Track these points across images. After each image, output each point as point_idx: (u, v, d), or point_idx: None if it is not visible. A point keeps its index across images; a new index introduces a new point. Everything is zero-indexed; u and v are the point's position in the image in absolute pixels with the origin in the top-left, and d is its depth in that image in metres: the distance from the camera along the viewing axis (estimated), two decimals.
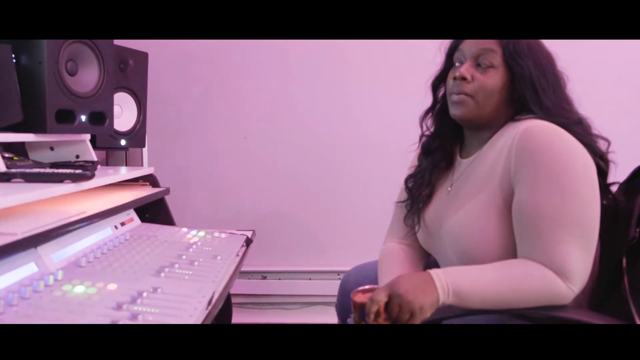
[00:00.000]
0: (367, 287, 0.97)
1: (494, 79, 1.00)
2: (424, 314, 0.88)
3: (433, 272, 0.92)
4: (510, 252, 0.95)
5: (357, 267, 1.33)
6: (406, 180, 1.20)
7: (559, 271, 0.88)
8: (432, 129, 1.16)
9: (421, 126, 1.17)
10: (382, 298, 0.89)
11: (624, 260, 0.92)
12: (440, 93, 1.13)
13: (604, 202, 0.96)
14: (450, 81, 1.05)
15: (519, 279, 0.90)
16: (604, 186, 0.97)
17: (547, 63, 1.02)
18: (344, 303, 1.28)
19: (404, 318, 0.87)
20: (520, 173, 0.92)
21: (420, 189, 1.15)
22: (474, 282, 0.91)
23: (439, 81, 1.13)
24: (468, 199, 1.02)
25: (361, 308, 0.92)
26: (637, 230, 0.92)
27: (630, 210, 0.96)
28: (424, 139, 1.18)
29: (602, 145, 0.98)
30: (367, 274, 1.23)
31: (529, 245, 0.92)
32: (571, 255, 0.89)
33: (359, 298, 0.94)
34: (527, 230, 0.92)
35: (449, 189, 1.11)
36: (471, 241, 0.99)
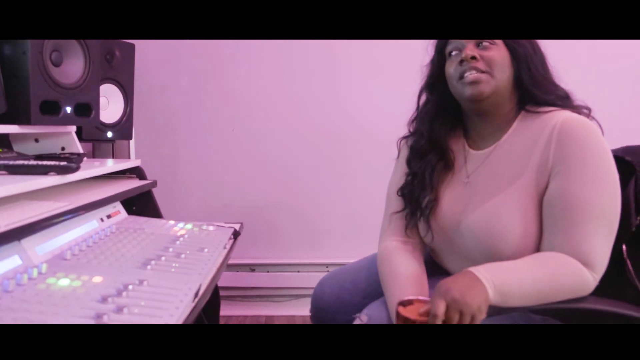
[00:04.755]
0: (411, 298, 0.91)
1: (501, 53, 1.01)
2: (483, 314, 0.85)
3: (475, 270, 0.89)
4: (533, 244, 0.97)
5: (328, 276, 1.29)
6: (401, 190, 1.15)
7: (586, 262, 0.91)
8: (421, 131, 1.14)
9: (410, 130, 1.17)
10: (443, 310, 0.83)
11: (624, 248, 0.96)
12: (437, 91, 1.12)
13: None
14: (453, 69, 1.04)
15: (556, 274, 0.91)
16: None
17: (535, 40, 1.06)
18: (322, 318, 1.25)
19: (466, 322, 0.83)
20: (561, 165, 0.94)
21: (424, 195, 1.11)
22: (516, 279, 0.89)
23: (433, 80, 1.12)
24: (493, 191, 1.02)
25: (411, 324, 0.85)
26: (638, 218, 0.97)
27: (625, 198, 0.99)
28: (410, 142, 1.16)
29: (584, 113, 1.01)
30: (343, 285, 1.21)
31: (560, 235, 0.93)
32: (598, 247, 0.92)
33: (411, 315, 0.86)
34: (560, 221, 0.94)
35: (465, 181, 1.08)
36: (497, 233, 0.98)
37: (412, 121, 1.17)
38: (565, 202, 0.93)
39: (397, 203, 1.16)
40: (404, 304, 0.90)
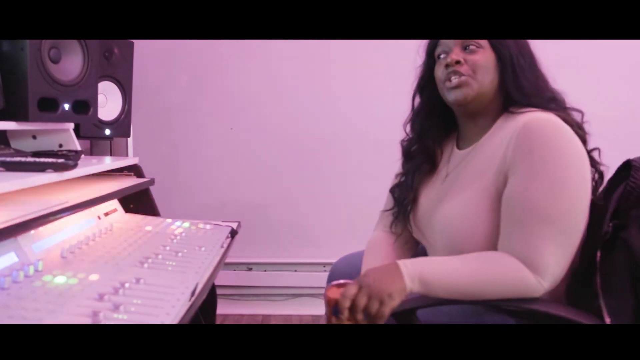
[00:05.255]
0: (341, 281, 0.96)
1: (486, 56, 1.02)
2: (393, 301, 0.89)
3: (401, 261, 0.94)
4: (496, 243, 0.96)
5: (344, 257, 1.34)
6: (392, 190, 1.21)
7: (531, 265, 0.90)
8: (412, 134, 1.17)
9: (405, 131, 1.19)
10: (353, 291, 0.90)
11: (598, 255, 0.92)
12: (426, 93, 1.13)
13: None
14: (440, 72, 1.05)
15: (487, 272, 0.92)
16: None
17: (525, 42, 1.05)
18: None
19: (374, 307, 0.89)
20: (516, 165, 0.93)
21: (406, 193, 1.16)
22: (440, 272, 0.93)
23: (424, 81, 1.14)
24: (462, 189, 1.03)
25: (334, 304, 0.91)
26: (610, 225, 0.93)
27: (607, 205, 0.97)
28: (405, 144, 1.19)
29: (576, 116, 1.01)
30: (356, 264, 1.23)
31: (509, 236, 0.93)
32: (548, 251, 0.90)
33: (332, 294, 0.93)
34: (511, 221, 0.93)
35: (444, 179, 1.11)
36: (461, 230, 1.00)
37: (407, 123, 1.18)
38: (514, 202, 0.93)
39: (389, 201, 1.23)
40: (339, 285, 0.96)
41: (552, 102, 1.01)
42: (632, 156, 0.99)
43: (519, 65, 1.01)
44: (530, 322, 0.98)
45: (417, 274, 0.91)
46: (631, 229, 0.89)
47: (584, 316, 0.90)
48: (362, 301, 0.89)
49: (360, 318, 0.89)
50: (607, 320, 0.87)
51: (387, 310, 0.89)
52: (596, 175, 1.01)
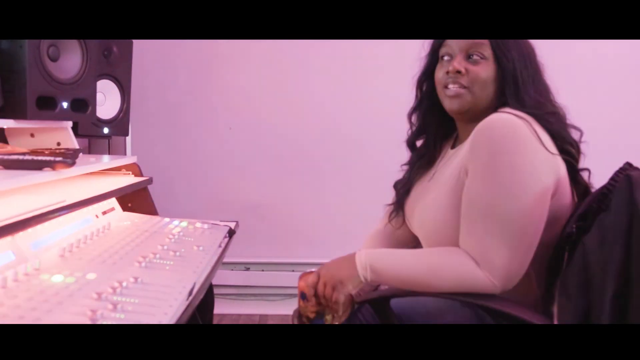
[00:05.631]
0: (311, 270, 1.04)
1: (487, 69, 1.02)
2: (345, 287, 0.98)
3: (359, 251, 1.00)
4: None
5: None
6: (395, 184, 1.23)
7: (481, 262, 0.91)
8: (415, 124, 1.18)
9: (410, 123, 1.19)
10: (312, 279, 1.00)
11: (565, 257, 0.93)
12: (425, 89, 1.14)
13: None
14: (441, 75, 1.06)
15: (436, 265, 0.95)
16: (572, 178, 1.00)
17: (530, 52, 1.05)
18: None
19: (329, 293, 0.98)
20: (469, 163, 0.96)
21: (403, 184, 1.19)
22: (391, 262, 0.98)
23: (425, 77, 1.14)
24: (439, 186, 1.06)
25: (301, 290, 1.02)
26: (574, 226, 0.92)
27: (577, 207, 0.98)
28: (409, 136, 1.21)
29: (574, 134, 1.01)
30: None
31: (464, 233, 0.95)
32: (495, 248, 0.91)
33: (300, 281, 1.03)
34: (466, 219, 0.95)
35: (431, 177, 1.13)
36: (433, 225, 1.04)
37: (411, 114, 1.19)
38: (467, 200, 0.95)
39: (394, 196, 1.25)
40: (308, 274, 1.05)
41: (552, 115, 1.00)
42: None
43: (522, 79, 1.01)
44: (503, 319, 0.98)
45: (368, 263, 0.97)
46: (592, 232, 0.88)
47: (536, 317, 0.91)
48: (320, 286, 0.99)
49: (322, 302, 0.99)
50: (555, 322, 0.89)
51: (339, 296, 0.96)
52: (575, 195, 1.01)
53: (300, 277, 1.04)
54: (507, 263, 0.91)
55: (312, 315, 1.01)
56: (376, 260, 0.98)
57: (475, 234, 0.93)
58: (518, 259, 0.92)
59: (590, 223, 0.90)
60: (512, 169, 0.91)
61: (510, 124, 0.93)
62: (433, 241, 1.04)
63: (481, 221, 0.92)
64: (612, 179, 0.92)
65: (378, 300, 1.00)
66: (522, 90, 1.00)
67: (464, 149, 1.03)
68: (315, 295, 1.00)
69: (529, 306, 0.97)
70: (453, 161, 1.07)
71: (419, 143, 1.19)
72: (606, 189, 0.92)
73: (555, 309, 0.90)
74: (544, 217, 0.94)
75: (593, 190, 1.01)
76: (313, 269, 1.04)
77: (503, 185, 0.91)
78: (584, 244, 0.88)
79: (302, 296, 1.02)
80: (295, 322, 1.05)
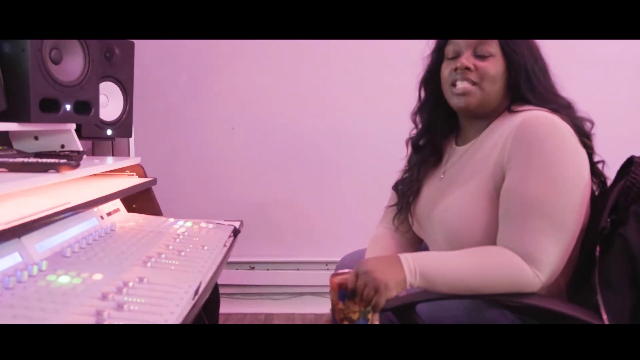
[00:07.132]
0: (345, 270, 0.98)
1: (496, 65, 1.01)
2: (389, 292, 0.90)
3: (402, 255, 0.95)
4: (495, 238, 0.97)
5: (350, 254, 1.34)
6: (396, 185, 1.22)
7: (528, 258, 0.90)
8: (420, 125, 1.17)
9: (414, 123, 1.19)
10: (352, 278, 0.92)
11: (597, 250, 0.93)
12: (431, 88, 1.13)
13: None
14: (447, 73, 1.05)
15: (487, 266, 0.92)
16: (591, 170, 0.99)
17: (537, 48, 1.05)
18: None
19: (370, 295, 0.90)
20: (512, 160, 0.94)
21: (410, 185, 1.17)
22: (442, 267, 0.93)
23: (430, 75, 1.13)
24: (460, 185, 1.04)
25: (339, 289, 0.94)
26: (608, 220, 0.93)
27: (606, 200, 0.97)
28: (412, 136, 1.20)
29: (587, 126, 1.01)
30: (359, 260, 1.24)
31: (507, 230, 0.94)
32: (545, 245, 0.91)
33: (336, 280, 0.96)
34: (508, 216, 0.94)
35: (442, 176, 1.12)
36: (459, 225, 1.01)
37: (415, 114, 1.18)
38: (511, 197, 0.94)
39: (392, 198, 1.24)
40: (342, 274, 0.98)
41: (568, 108, 1.01)
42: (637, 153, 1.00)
43: (534, 71, 1.01)
44: (530, 317, 0.98)
45: (418, 269, 0.92)
46: (629, 225, 0.90)
47: (581, 312, 0.90)
48: (360, 287, 0.91)
49: (362, 304, 0.91)
50: (604, 317, 0.87)
51: (381, 299, 0.90)
52: (594, 187, 1.02)
53: (333, 277, 0.97)
54: (555, 258, 0.91)
55: (355, 317, 0.93)
56: (425, 265, 0.93)
57: (524, 230, 0.91)
58: (562, 253, 0.93)
59: (622, 216, 0.92)
60: (559, 165, 0.92)
61: (551, 122, 0.94)
62: (457, 241, 1.01)
63: (532, 218, 0.91)
64: (632, 171, 0.94)
65: (400, 307, 0.97)
66: (536, 82, 1.01)
67: (487, 147, 1.02)
68: (352, 294, 0.93)
69: (560, 299, 0.97)
70: (470, 159, 1.06)
71: (422, 142, 1.18)
72: (629, 182, 0.94)
73: (600, 302, 0.89)
74: (584, 210, 0.95)
75: (609, 182, 1.02)
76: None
77: (553, 182, 0.91)
78: (623, 237, 0.89)
79: (341, 296, 0.94)
80: (331, 323, 0.97)
